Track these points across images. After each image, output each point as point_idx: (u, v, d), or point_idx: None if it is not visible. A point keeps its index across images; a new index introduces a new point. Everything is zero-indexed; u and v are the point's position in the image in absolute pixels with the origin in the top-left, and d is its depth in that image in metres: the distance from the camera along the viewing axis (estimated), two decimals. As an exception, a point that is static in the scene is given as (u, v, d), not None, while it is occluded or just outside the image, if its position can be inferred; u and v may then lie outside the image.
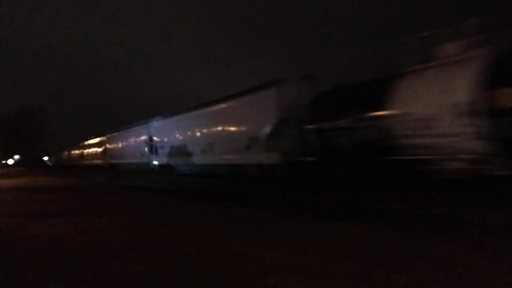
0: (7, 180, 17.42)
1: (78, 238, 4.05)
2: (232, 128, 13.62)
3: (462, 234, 3.79)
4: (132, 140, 23.71)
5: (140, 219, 5.18)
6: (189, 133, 16.50)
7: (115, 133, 27.38)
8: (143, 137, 21.23)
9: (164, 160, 18.67)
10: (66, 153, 48.35)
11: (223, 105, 14.25)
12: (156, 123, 20.09)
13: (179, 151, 16.87)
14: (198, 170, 16.00)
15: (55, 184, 13.87)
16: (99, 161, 31.08)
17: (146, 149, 20.78)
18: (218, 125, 14.38)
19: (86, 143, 36.63)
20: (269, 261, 2.96)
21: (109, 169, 27.25)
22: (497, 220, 4.51)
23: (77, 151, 40.86)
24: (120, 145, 26.29)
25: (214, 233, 4.12)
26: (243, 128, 12.81)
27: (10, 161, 58.67)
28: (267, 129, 11.37)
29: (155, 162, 19.82)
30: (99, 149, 31.63)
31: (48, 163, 70.18)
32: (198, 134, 15.78)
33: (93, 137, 34.36)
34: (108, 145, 28.86)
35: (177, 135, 17.62)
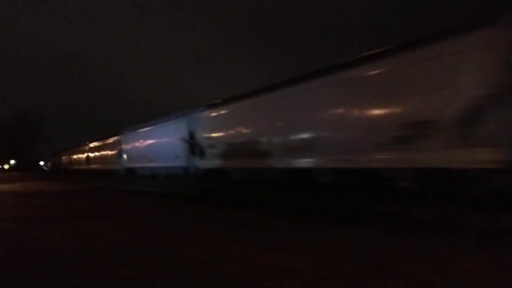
0: (3, 185, 17.31)
1: (74, 242, 4.03)
2: (364, 111, 8.18)
3: (459, 237, 3.81)
4: (160, 139, 18.57)
5: (136, 223, 5.17)
6: (264, 124, 11.20)
7: (135, 131, 22.02)
8: (179, 134, 16.20)
9: (215, 163, 13.56)
10: (65, 156, 44.52)
11: (343, 76, 8.79)
12: (201, 115, 14.95)
13: (243, 150, 11.98)
14: (279, 177, 10.96)
15: (51, 189, 13.80)
16: (111, 166, 25.90)
17: (183, 149, 15.85)
18: (329, 108, 9.10)
19: (92, 145, 32.11)
20: (266, 265, 2.96)
21: (125, 174, 22.75)
22: (494, 224, 4.53)
23: (80, 155, 36.57)
24: (142, 145, 20.90)
25: (211, 236, 4.12)
26: (392, 109, 7.65)
27: (6, 166, 58.41)
28: (465, 106, 6.42)
29: (200, 166, 14.77)
30: (111, 152, 26.44)
31: (44, 167, 69.83)
32: (282, 125, 10.51)
33: (102, 137, 29.20)
34: (125, 146, 23.47)
35: (240, 129, 12.38)
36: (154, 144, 19.19)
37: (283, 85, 10.72)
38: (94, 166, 31.25)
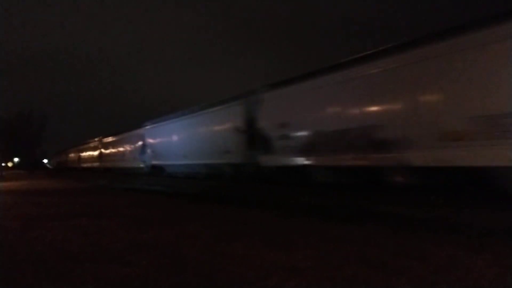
0: (7, 183, 17.41)
1: (78, 240, 4.05)
2: None
3: (462, 236, 3.80)
4: (201, 130, 14.92)
5: (139, 222, 5.18)
6: (395, 99, 7.49)
7: (164, 123, 18.58)
8: (231, 123, 12.68)
9: (290, 160, 9.94)
10: (73, 154, 42.39)
11: None
12: (266, 97, 11.03)
13: (346, 141, 8.25)
14: (416, 179, 7.34)
15: (55, 187, 13.86)
16: (132, 163, 22.42)
17: (236, 142, 12.26)
18: None
19: (107, 140, 28.84)
20: (269, 264, 2.97)
21: (150, 173, 19.60)
22: (497, 223, 4.51)
23: (91, 152, 33.63)
24: (174, 139, 17.34)
25: (213, 235, 4.12)
26: None
27: (10, 164, 58.72)
28: None
29: (265, 163, 10.93)
30: (129, 148, 23.23)
31: (48, 165, 70.16)
32: (440, 97, 6.74)
33: (120, 131, 25.83)
34: (150, 140, 20.07)
35: (341, 111, 8.54)
36: (192, 136, 15.56)
37: (443, 36, 6.82)
38: (109, 164, 27.79)
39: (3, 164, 46.93)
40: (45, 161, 71.75)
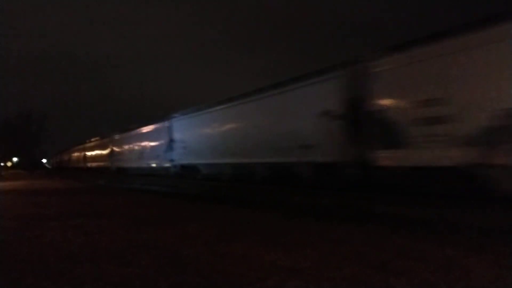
0: (6, 183, 17.38)
1: (77, 241, 4.05)
2: None
3: (462, 237, 3.80)
4: (256, 120, 11.48)
5: (139, 222, 5.18)
6: None
7: (199, 113, 15.04)
8: (311, 107, 9.39)
9: (446, 156, 6.45)
10: (77, 153, 40.16)
11: None
12: (385, 64, 7.66)
13: None
14: None
15: (54, 187, 13.84)
16: (153, 162, 18.98)
17: (323, 132, 9.03)
18: None
19: (119, 137, 25.29)
20: (269, 264, 2.97)
21: (180, 174, 16.41)
22: (497, 224, 4.51)
23: (99, 151, 30.55)
24: (213, 133, 13.85)
25: (213, 236, 4.12)
26: None
27: (9, 164, 58.73)
28: None
29: (387, 161, 7.49)
30: (150, 144, 19.74)
31: (47, 165, 70.16)
32: None
33: (137, 126, 21.98)
34: (178, 135, 16.38)
35: None
36: (247, 128, 11.94)
37: None
38: (122, 164, 24.39)
39: (2, 164, 46.86)
40: (44, 161, 71.72)
